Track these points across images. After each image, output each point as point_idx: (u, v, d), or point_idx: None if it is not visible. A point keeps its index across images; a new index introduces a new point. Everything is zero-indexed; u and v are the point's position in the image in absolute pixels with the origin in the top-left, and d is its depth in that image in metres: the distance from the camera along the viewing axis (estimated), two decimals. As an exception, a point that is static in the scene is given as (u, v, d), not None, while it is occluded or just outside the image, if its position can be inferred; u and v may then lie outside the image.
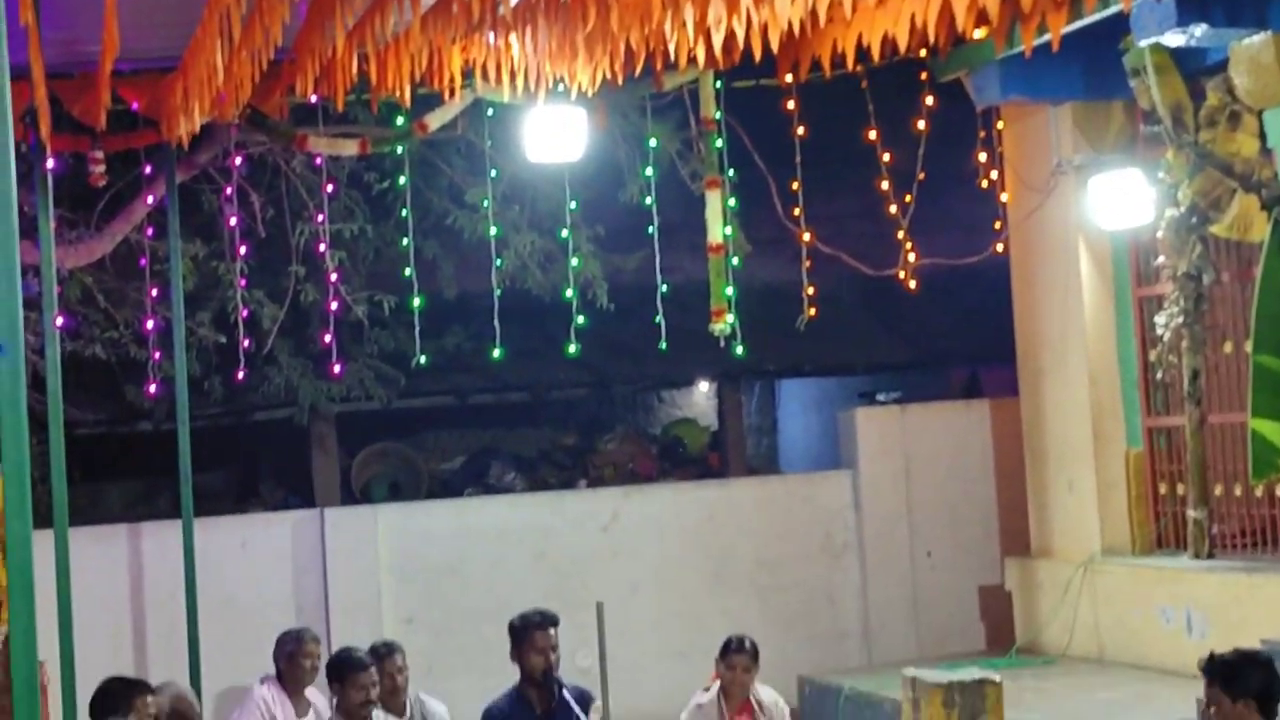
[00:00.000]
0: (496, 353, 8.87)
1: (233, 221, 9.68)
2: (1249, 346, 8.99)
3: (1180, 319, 9.71)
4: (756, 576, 11.83)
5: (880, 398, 12.70)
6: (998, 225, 11.26)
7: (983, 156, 10.97)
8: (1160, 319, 9.89)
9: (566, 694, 7.82)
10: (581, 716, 7.62)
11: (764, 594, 11.79)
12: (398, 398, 12.07)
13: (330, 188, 9.81)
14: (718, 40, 6.08)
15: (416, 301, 9.26)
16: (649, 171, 9.96)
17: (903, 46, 6.81)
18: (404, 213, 9.59)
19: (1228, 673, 5.90)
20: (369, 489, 13.05)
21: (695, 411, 15.73)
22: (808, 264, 10.52)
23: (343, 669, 7.66)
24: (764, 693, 8.49)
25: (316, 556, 10.98)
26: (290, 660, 8.77)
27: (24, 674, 3.93)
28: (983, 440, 12.31)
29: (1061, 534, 10.90)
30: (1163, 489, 10.39)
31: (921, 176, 10.51)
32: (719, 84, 9.49)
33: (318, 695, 9.00)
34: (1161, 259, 9.87)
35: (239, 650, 10.03)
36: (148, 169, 9.22)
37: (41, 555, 8.07)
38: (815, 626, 11.91)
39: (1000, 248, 11.26)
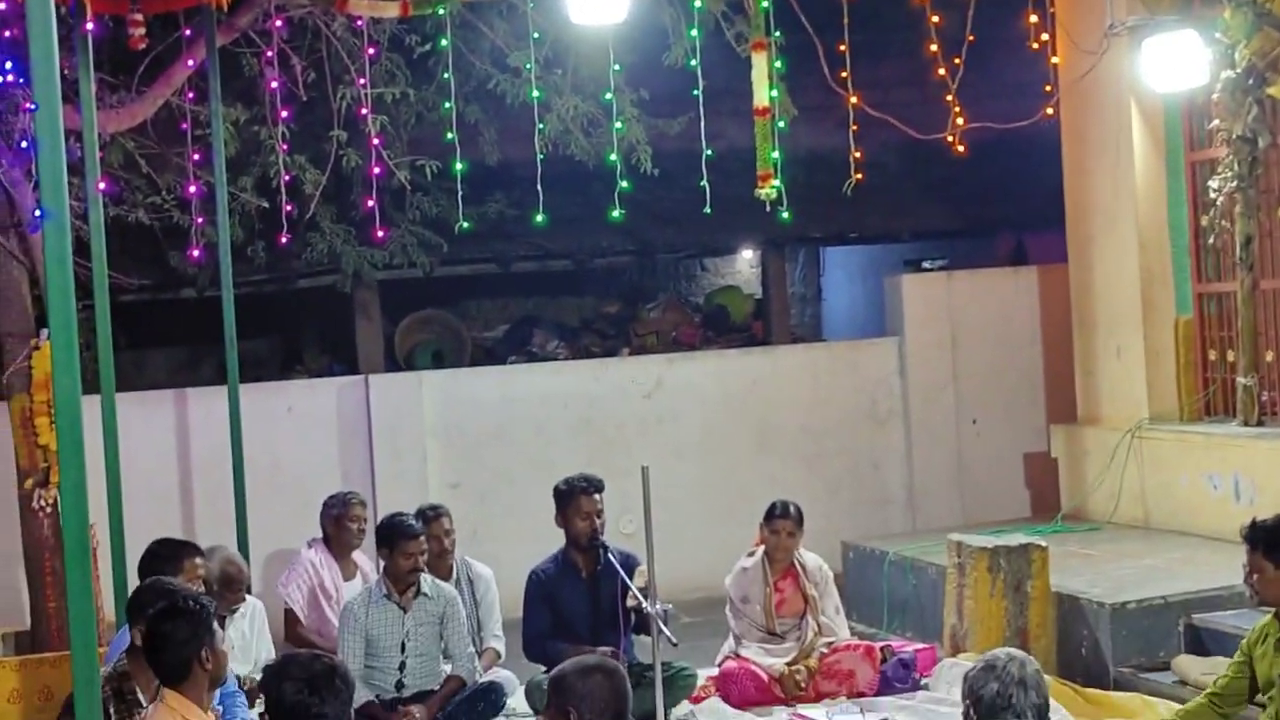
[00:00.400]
0: (539, 218, 8.77)
1: (274, 85, 9.57)
2: (1304, 210, 8.85)
3: (1234, 183, 9.55)
4: (801, 443, 11.83)
5: (926, 265, 12.61)
6: (1048, 89, 11.04)
7: (1033, 19, 10.73)
8: (1213, 183, 9.74)
9: (612, 557, 7.86)
10: (626, 580, 7.64)
11: (808, 460, 11.80)
12: (440, 265, 12.02)
13: (371, 51, 9.66)
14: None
15: (459, 166, 9.16)
16: (694, 34, 9.77)
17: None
18: (445, 76, 9.44)
19: (1269, 539, 5.88)
20: (412, 357, 13.06)
21: (739, 279, 15.65)
22: (854, 128, 10.36)
23: (392, 535, 7.69)
24: (808, 557, 8.52)
25: (362, 422, 11.02)
26: (336, 524, 8.84)
27: (75, 533, 3.94)
28: (1030, 307, 12.23)
29: (1109, 401, 10.82)
30: (1212, 355, 10.29)
31: (971, 39, 10.29)
32: (765, -56, 9.29)
33: (364, 559, 9.09)
34: (1216, 122, 9.69)
35: (286, 515, 10.12)
36: (187, 32, 9.11)
37: (88, 420, 8.12)
38: (859, 493, 11.93)
39: (1050, 112, 11.05)
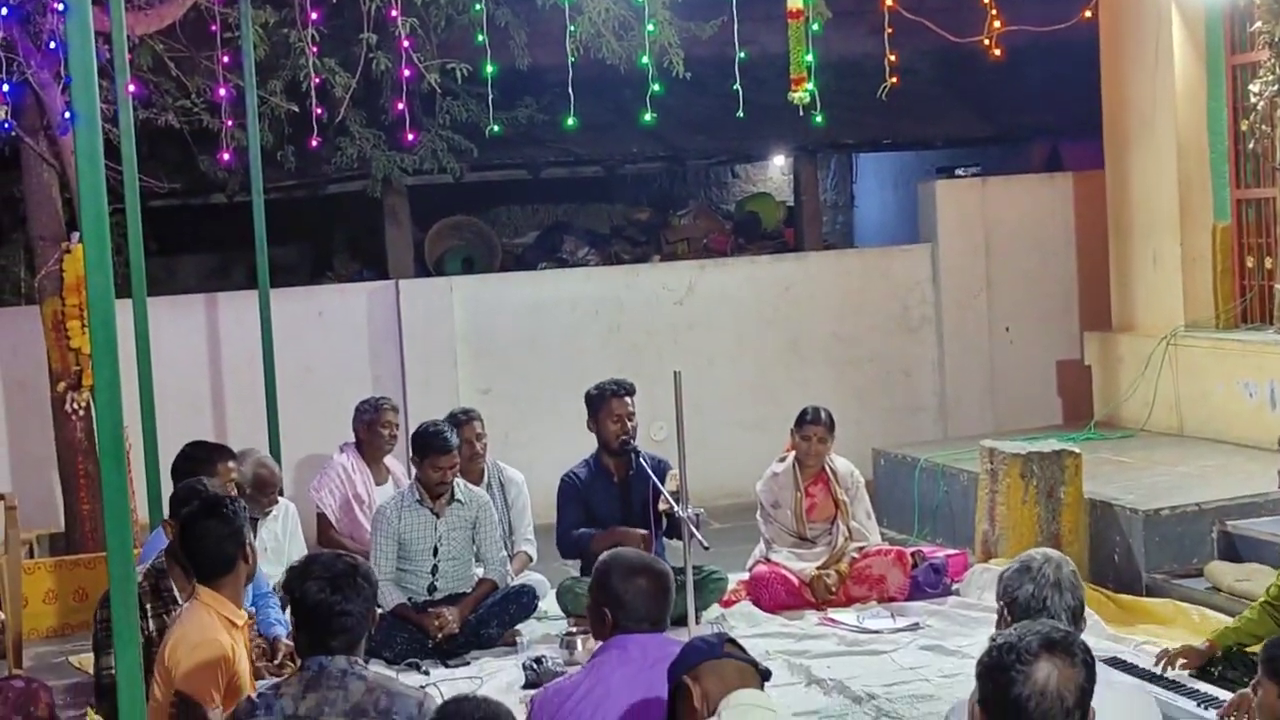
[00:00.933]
0: (570, 123, 8.68)
1: (303, -13, 9.49)
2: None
3: (1275, 87, 9.38)
4: (833, 350, 11.79)
5: (959, 173, 12.47)
6: (1086, -9, 10.88)
7: (1072, -82, 10.55)
8: (1254, 87, 9.58)
9: (644, 462, 7.85)
10: (658, 483, 7.64)
11: (840, 368, 11.76)
12: (470, 170, 11.95)
13: (401, -48, 9.56)
14: None
15: (489, 70, 9.06)
16: (727, -66, 9.62)
17: None
18: (476, -22, 9.34)
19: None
20: (442, 263, 13.01)
21: (771, 186, 15.55)
22: (889, 32, 10.21)
23: (425, 447, 7.68)
24: (839, 463, 8.50)
25: (392, 328, 11.01)
26: (368, 429, 8.84)
27: (109, 432, 3.93)
28: (1064, 214, 12.12)
29: (1144, 308, 10.73)
30: (1249, 262, 10.17)
31: (1008, -60, 10.11)
32: None
33: (397, 464, 9.10)
34: (1258, 24, 9.51)
35: (317, 420, 10.15)
36: (216, -68, 9.03)
37: (119, 324, 8.14)
38: (891, 400, 11.90)
39: (1088, 15, 10.88)
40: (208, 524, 5.45)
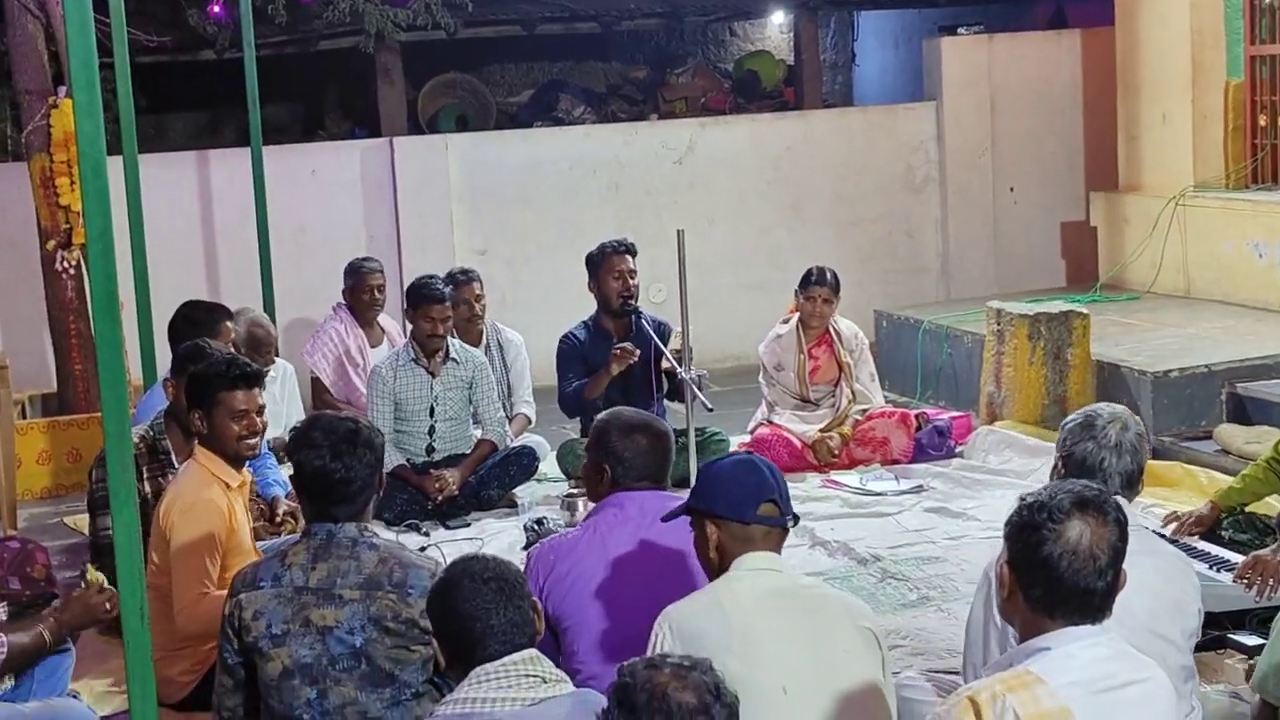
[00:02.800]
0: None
1: None
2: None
3: (1293, -62, 9.16)
4: (835, 210, 11.61)
5: (961, 31, 12.20)
6: None
7: None
8: (1271, -62, 9.34)
9: (644, 323, 7.72)
10: (660, 345, 7.51)
11: (842, 228, 11.59)
12: (464, 26, 11.68)
13: None
14: None
15: (484, -81, 8.81)
16: None
17: None
18: None
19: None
20: (435, 121, 12.77)
21: (770, 45, 15.23)
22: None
23: (416, 298, 7.55)
24: (843, 324, 8.37)
25: (387, 186, 10.81)
26: (352, 292, 8.72)
27: (103, 286, 3.78)
28: (1072, 71, 11.88)
29: (1152, 168, 10.55)
30: (1262, 121, 9.97)
31: None
32: None
33: (392, 323, 8.97)
34: (1277, -127, 9.26)
35: (311, 280, 10.00)
36: None
37: (112, 181, 7.95)
38: (893, 261, 11.75)
39: None
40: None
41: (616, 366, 7.60)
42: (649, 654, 3.64)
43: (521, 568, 4.61)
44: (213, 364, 5.44)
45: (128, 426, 3.83)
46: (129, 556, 3.81)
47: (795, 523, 3.84)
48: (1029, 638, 3.19)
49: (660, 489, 4.53)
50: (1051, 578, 3.13)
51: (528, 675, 3.37)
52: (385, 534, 7.11)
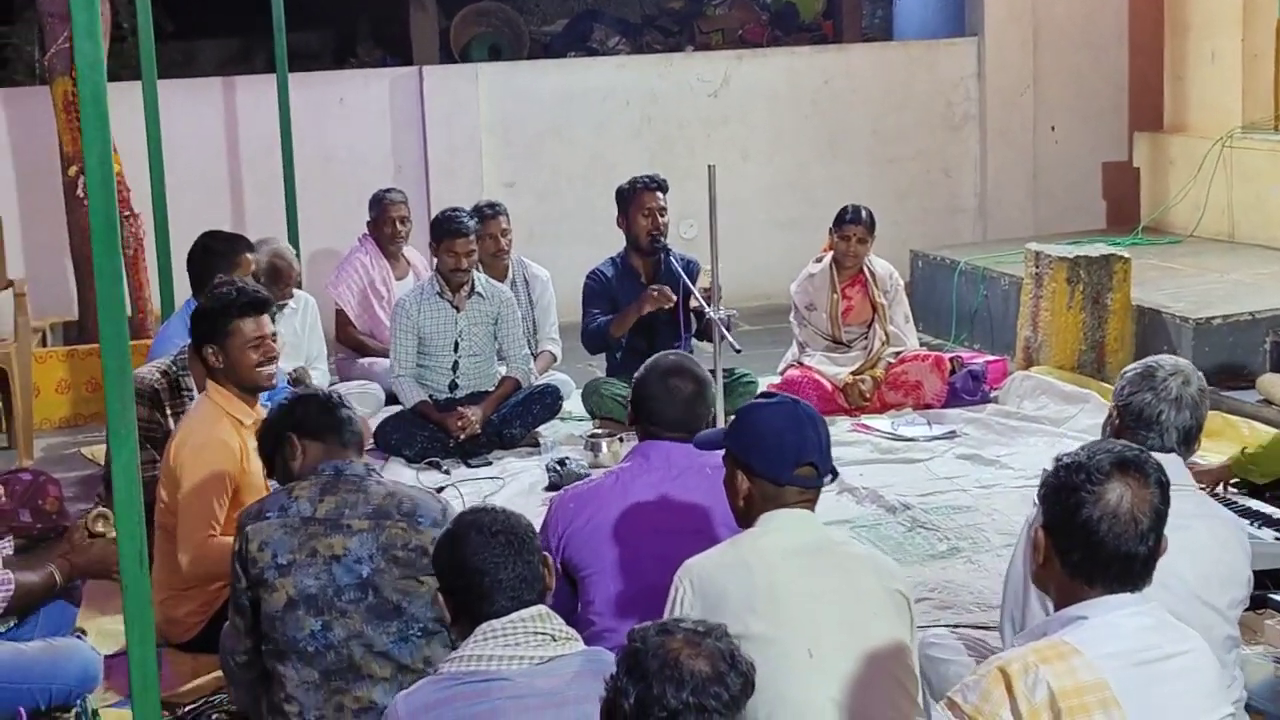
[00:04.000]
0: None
1: None
2: None
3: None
4: (872, 147, 11.37)
5: (1006, -37, 11.90)
6: None
7: None
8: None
9: (673, 260, 7.54)
10: (689, 283, 7.34)
11: (878, 165, 11.35)
12: (498, -47, 11.47)
13: None
14: None
15: None
16: None
17: None
18: None
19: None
20: (468, 51, 12.59)
21: (809, -24, 14.95)
22: None
23: (439, 232, 7.39)
24: (877, 264, 8.18)
25: (416, 116, 10.61)
26: (375, 224, 8.58)
27: (101, 214, 3.62)
28: (1117, 7, 11.58)
29: (1199, 108, 10.27)
30: (1314, 61, 9.70)
31: None
32: None
33: (418, 256, 8.81)
34: None
35: (337, 210, 9.84)
36: None
37: (131, 108, 7.80)
38: (930, 200, 11.51)
39: None
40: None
41: (649, 307, 7.43)
42: (668, 609, 3.52)
43: (540, 510, 4.51)
44: (219, 296, 5.32)
45: (127, 362, 3.68)
46: (128, 498, 3.67)
47: (833, 480, 3.67)
48: (1065, 605, 3.03)
49: (689, 439, 4.37)
50: (1091, 542, 2.96)
51: (536, 633, 3.23)
52: (405, 471, 7.12)
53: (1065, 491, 3.00)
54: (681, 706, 2.67)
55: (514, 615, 3.23)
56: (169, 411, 5.81)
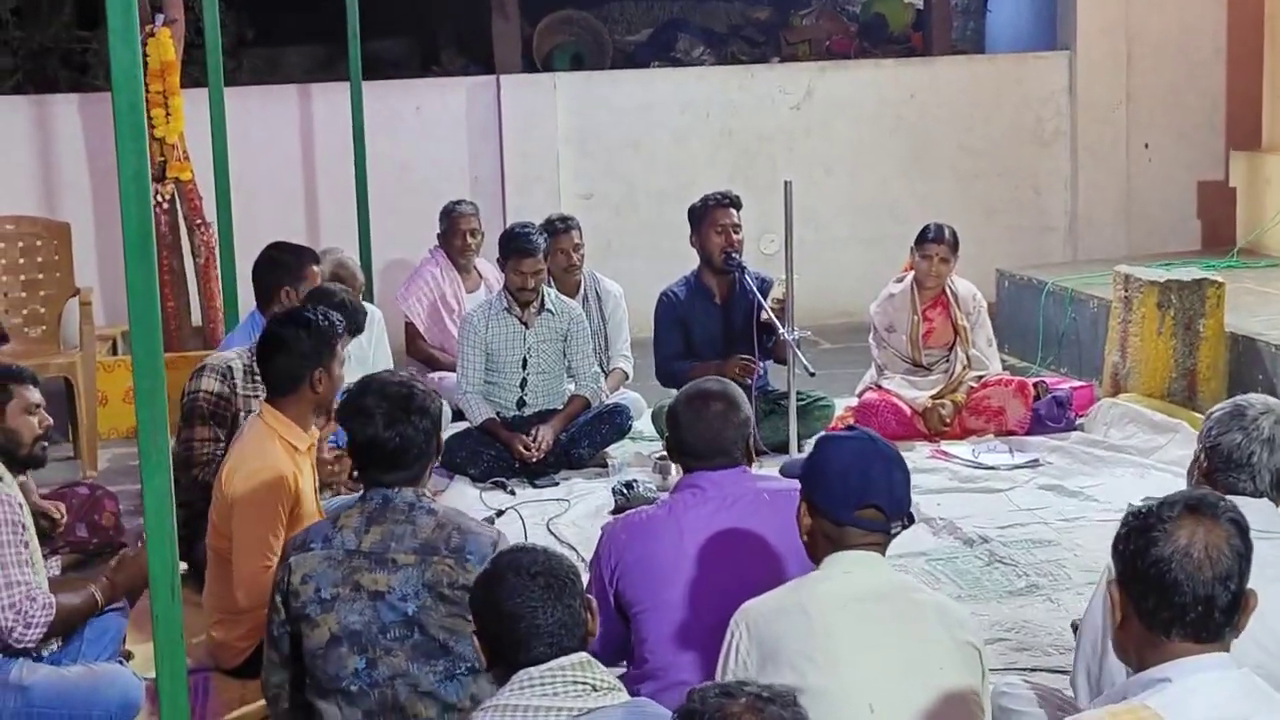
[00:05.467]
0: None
1: None
2: None
3: None
4: (958, 162, 11.10)
5: (1100, -24, 11.60)
6: None
7: None
8: None
9: (748, 278, 7.32)
10: (759, 298, 7.12)
11: (965, 181, 11.08)
12: (582, -39, 11.31)
13: None
14: None
15: None
16: None
17: None
18: None
19: None
20: (551, 59, 12.44)
21: (899, -13, 14.70)
22: None
23: (507, 250, 7.24)
24: (960, 285, 7.93)
25: (493, 125, 10.47)
26: (446, 236, 8.47)
27: (136, 225, 3.49)
28: (1215, 21, 11.23)
29: (1299, 126, 9.95)
30: None
31: None
32: None
33: (490, 268, 8.66)
34: None
35: (412, 220, 9.69)
36: None
37: (200, 115, 7.71)
38: (1018, 218, 11.22)
39: None
40: (292, 335, 5.08)
41: (730, 374, 7.08)
42: (723, 654, 3.33)
43: (597, 539, 4.33)
44: (332, 316, 5.20)
45: (161, 383, 3.54)
46: (159, 526, 3.52)
47: (908, 526, 3.46)
48: (1146, 667, 2.80)
49: (735, 464, 4.18)
50: (1165, 584, 2.74)
51: (576, 682, 3.02)
52: (469, 490, 6.96)
53: (1135, 535, 2.80)
54: (738, 775, 2.47)
55: (553, 663, 3.04)
56: (241, 392, 5.75)
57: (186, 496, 5.44)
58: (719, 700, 2.54)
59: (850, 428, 3.73)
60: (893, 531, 3.43)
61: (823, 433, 3.68)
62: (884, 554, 3.43)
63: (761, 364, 7.39)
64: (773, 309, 6.94)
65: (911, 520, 3.48)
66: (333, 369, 5.09)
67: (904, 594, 3.42)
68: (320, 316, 5.13)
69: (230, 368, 5.79)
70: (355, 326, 5.91)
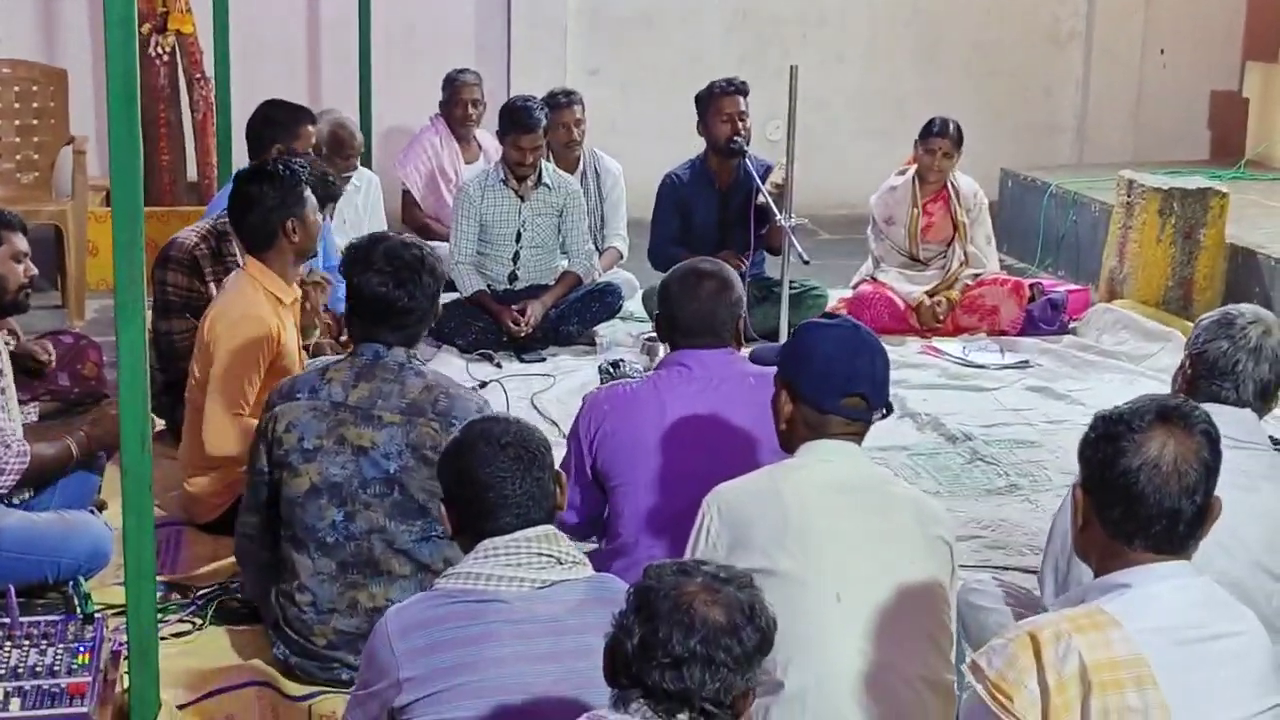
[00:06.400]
0: None
1: None
2: None
3: None
4: (970, 59, 10.96)
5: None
6: None
7: None
8: None
9: (749, 162, 7.24)
10: (758, 181, 7.05)
11: (976, 78, 10.95)
12: None
13: None
14: None
15: None
16: None
17: None
18: None
19: None
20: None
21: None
22: None
23: (507, 124, 7.17)
24: (962, 181, 7.86)
25: (502, -6, 10.33)
26: (447, 105, 8.38)
27: (120, 79, 3.41)
28: (1240, -72, 11.08)
29: (1317, 40, 9.82)
30: None
31: None
32: None
33: (491, 140, 8.56)
34: None
35: (415, 87, 9.54)
36: None
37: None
38: (1027, 118, 11.10)
39: None
40: (259, 191, 5.04)
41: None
42: (694, 535, 3.32)
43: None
44: (300, 167, 5.14)
45: (139, 234, 3.55)
46: (133, 377, 3.49)
47: (886, 415, 3.42)
48: (1107, 571, 2.78)
49: (723, 344, 4.15)
50: (1131, 495, 2.70)
51: (540, 554, 3.02)
52: (456, 361, 6.94)
53: (1104, 442, 2.75)
54: (687, 655, 2.45)
55: (518, 534, 3.03)
56: (209, 278, 5.67)
57: (173, 377, 5.44)
58: (675, 578, 2.53)
59: (830, 315, 3.69)
60: (873, 420, 3.40)
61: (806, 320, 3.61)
62: (861, 444, 3.40)
63: (754, 253, 7.34)
64: (771, 193, 6.88)
65: (890, 409, 3.45)
66: (305, 216, 5.05)
67: (880, 486, 3.39)
68: (282, 167, 5.09)
69: (195, 257, 5.68)
70: (326, 195, 5.80)
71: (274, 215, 4.98)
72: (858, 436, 3.38)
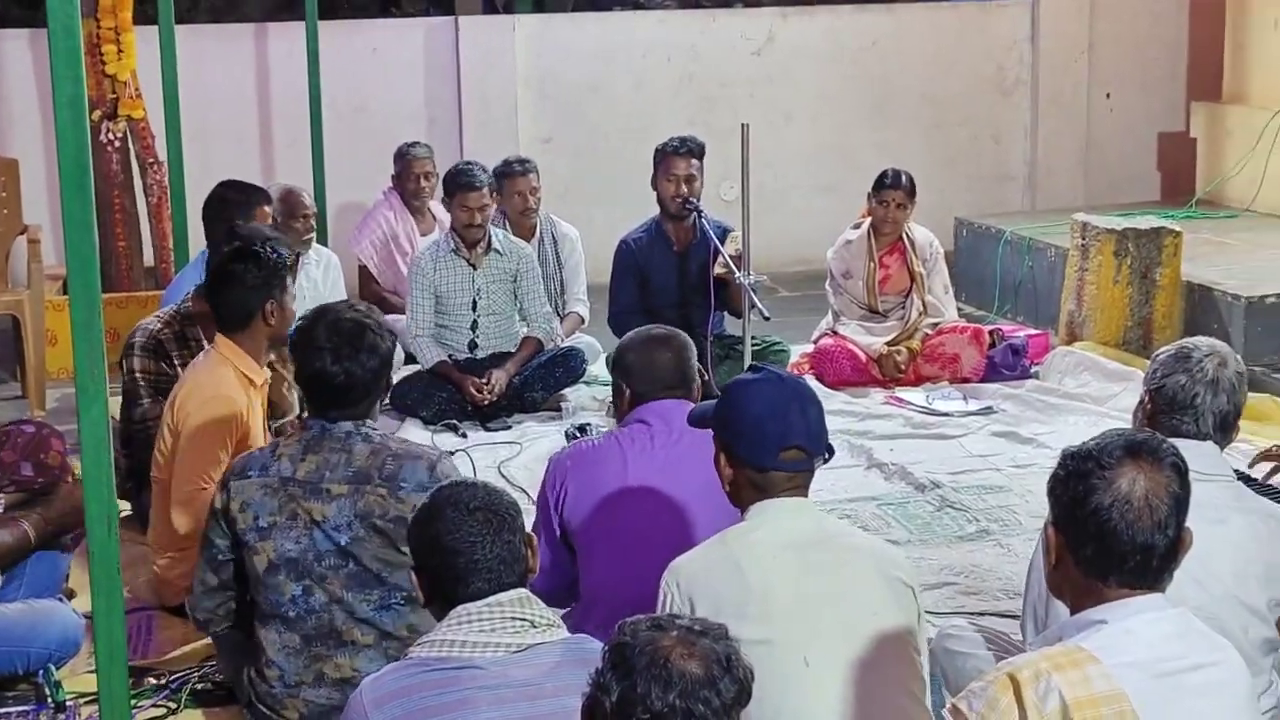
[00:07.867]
0: None
1: None
2: None
3: None
4: (919, 110, 11.05)
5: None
6: None
7: None
8: None
9: (706, 224, 7.28)
10: (717, 244, 7.08)
11: (925, 129, 11.04)
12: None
13: None
14: None
15: None
16: None
17: None
18: None
19: None
20: (512, 2, 12.32)
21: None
22: None
23: (451, 186, 7.21)
24: (917, 232, 7.91)
25: (450, 67, 10.36)
26: (398, 179, 8.41)
27: (72, 158, 3.41)
28: (1178, -30, 11.22)
29: (1260, 77, 9.90)
30: (1381, 31, 9.34)
31: None
32: None
33: (445, 212, 8.58)
34: None
35: (367, 163, 9.56)
36: None
37: (150, 53, 7.60)
38: (978, 167, 11.19)
39: None
40: (242, 269, 5.01)
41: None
42: (658, 611, 3.29)
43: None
44: (282, 248, 5.11)
45: (97, 315, 3.51)
46: (96, 459, 3.47)
47: (827, 459, 3.42)
48: (1082, 609, 2.78)
49: (687, 398, 4.17)
50: (1104, 532, 2.71)
51: (514, 618, 3.00)
52: (420, 433, 6.91)
53: (1074, 480, 2.77)
54: (666, 709, 2.43)
55: (491, 599, 3.01)
56: (175, 361, 5.64)
57: (138, 462, 5.40)
58: (650, 633, 2.51)
59: (754, 368, 3.70)
60: (815, 467, 3.39)
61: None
62: (807, 494, 3.38)
63: (716, 314, 7.36)
64: (725, 266, 6.91)
65: (832, 452, 3.45)
66: (284, 300, 5.03)
67: (834, 539, 3.37)
68: (268, 248, 5.06)
69: (160, 340, 5.65)
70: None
71: (254, 295, 4.96)
72: (802, 489, 3.37)
